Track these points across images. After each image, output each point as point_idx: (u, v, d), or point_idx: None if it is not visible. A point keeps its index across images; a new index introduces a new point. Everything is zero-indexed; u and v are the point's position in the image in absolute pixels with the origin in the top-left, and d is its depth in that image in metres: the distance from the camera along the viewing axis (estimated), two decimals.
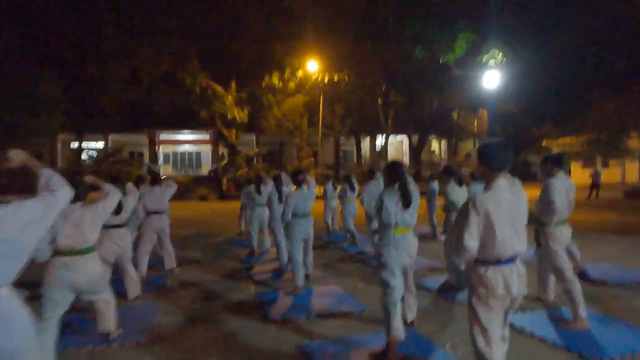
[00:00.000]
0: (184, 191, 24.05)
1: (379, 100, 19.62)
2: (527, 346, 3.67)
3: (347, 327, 4.25)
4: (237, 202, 11.21)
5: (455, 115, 27.24)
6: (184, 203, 21.37)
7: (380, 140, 32.53)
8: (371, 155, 31.57)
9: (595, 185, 17.81)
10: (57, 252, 3.32)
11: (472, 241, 2.36)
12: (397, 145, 34.52)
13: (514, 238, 2.41)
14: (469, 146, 32.67)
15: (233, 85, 24.13)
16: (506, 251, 2.39)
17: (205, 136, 31.87)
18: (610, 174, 24.97)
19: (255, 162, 24.71)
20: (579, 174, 22.70)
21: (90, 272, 3.40)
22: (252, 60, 23.27)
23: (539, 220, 4.30)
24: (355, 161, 30.44)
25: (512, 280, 2.41)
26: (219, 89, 23.70)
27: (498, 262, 2.41)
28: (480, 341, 2.46)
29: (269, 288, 5.69)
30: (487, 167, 2.49)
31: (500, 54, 11.86)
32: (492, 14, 12.37)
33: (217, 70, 23.07)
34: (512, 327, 3.96)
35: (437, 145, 35.99)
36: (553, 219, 4.16)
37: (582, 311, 3.97)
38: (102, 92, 22.08)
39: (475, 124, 26.37)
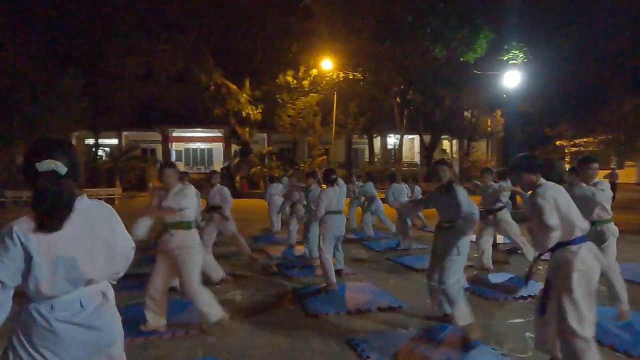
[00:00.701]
0: (197, 188, 24.22)
1: (397, 98, 19.57)
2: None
3: (386, 322, 4.31)
4: (251, 200, 11.27)
5: (468, 115, 27.15)
6: None
7: (392, 139, 32.50)
8: (383, 153, 31.55)
9: (612, 186, 17.68)
10: None
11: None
12: (409, 145, 34.43)
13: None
14: (482, 145, 32.49)
15: (247, 83, 24.23)
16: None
17: (217, 134, 32.00)
18: (625, 175, 24.73)
19: (267, 160, 24.79)
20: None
21: None
22: (267, 58, 23.36)
23: None
24: (367, 159, 30.44)
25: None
26: (234, 87, 23.81)
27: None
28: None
29: (301, 284, 5.77)
30: (535, 174, 2.95)
31: (521, 53, 11.84)
32: (512, 13, 12.33)
33: (231, 68, 23.18)
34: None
35: (448, 145, 35.84)
36: None
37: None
38: (118, 88, 22.28)
39: (489, 123, 26.24)
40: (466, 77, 15.03)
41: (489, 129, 26.78)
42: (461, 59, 12.66)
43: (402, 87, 17.66)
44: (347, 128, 24.73)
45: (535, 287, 5.42)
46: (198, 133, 32.84)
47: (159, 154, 30.81)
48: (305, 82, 23.18)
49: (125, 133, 29.92)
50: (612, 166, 20.52)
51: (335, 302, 4.92)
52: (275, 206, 9.97)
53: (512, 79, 11.66)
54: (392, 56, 15.96)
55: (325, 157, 25.00)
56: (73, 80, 17.81)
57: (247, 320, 4.37)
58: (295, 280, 6.01)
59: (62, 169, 1.61)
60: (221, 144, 32.79)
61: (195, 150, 34.58)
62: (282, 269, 6.62)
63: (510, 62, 11.92)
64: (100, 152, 28.44)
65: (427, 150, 28.30)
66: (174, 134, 31.84)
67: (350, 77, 20.64)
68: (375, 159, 29.18)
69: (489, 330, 4.04)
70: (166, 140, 30.77)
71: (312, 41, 20.78)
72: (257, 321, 4.37)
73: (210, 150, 34.62)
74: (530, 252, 6.24)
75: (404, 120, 21.22)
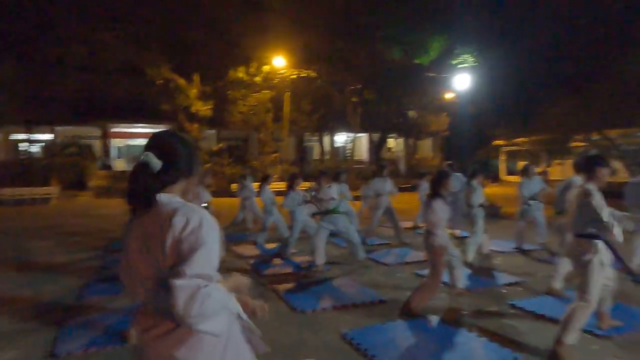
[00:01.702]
0: None
1: (355, 97, 19.87)
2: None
3: (373, 315, 4.44)
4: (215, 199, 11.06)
5: (414, 114, 28.15)
6: None
7: (341, 137, 32.91)
8: (333, 151, 31.89)
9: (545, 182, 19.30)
10: None
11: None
12: (358, 143, 35.09)
13: None
14: (427, 144, 33.90)
15: (196, 78, 23.47)
16: None
17: (162, 129, 30.77)
18: (552, 173, 27.00)
19: (220, 157, 24.16)
20: None
21: None
22: (217, 53, 22.69)
23: None
24: (317, 158, 30.62)
25: None
26: (182, 81, 22.96)
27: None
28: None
29: (279, 281, 5.77)
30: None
31: (471, 57, 12.56)
32: (462, 19, 13.03)
33: (180, 62, 22.28)
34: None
35: (394, 143, 36.98)
36: None
37: None
38: (54, 79, 20.62)
39: (433, 123, 27.46)
40: (419, 78, 15.67)
41: (434, 128, 27.99)
42: (416, 61, 13.20)
43: (359, 86, 17.97)
44: (300, 125, 24.72)
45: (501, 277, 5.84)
46: (141, 129, 31.34)
47: (98, 151, 28.97)
48: (258, 79, 22.87)
49: (59, 128, 27.83)
50: (544, 165, 22.30)
51: (320, 298, 4.98)
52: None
53: (462, 81, 12.34)
54: (348, 55, 16.20)
55: (278, 154, 24.86)
56: (4, 64, 16.19)
57: None
58: (272, 278, 5.99)
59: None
60: None
61: (136, 147, 32.94)
62: (256, 267, 6.57)
63: (460, 65, 12.63)
64: (34, 149, 26.31)
65: (376, 148, 29.04)
66: (115, 130, 30.10)
67: (304, 74, 20.67)
68: (325, 157, 29.45)
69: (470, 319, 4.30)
70: (106, 135, 29.03)
71: (265, 37, 20.53)
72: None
73: None
74: None
75: (358, 119, 21.61)
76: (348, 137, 30.63)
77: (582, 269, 3.39)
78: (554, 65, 16.04)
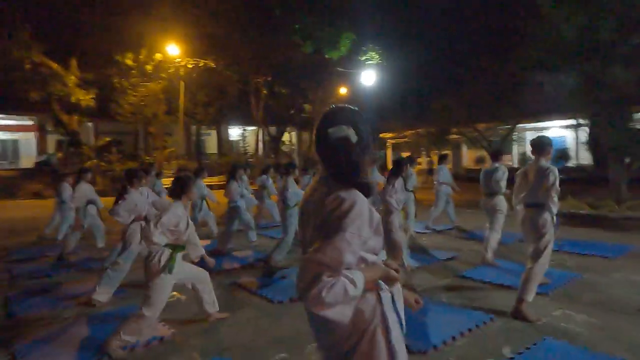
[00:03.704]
0: (9, 187, 19.87)
1: (264, 90, 19.54)
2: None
3: None
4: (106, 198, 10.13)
5: (309, 107, 28.90)
6: (13, 202, 17.82)
7: (235, 131, 32.23)
8: (225, 145, 31.08)
9: (430, 171, 21.73)
10: None
11: None
12: (252, 137, 34.77)
13: None
14: None
15: (74, 63, 20.79)
16: None
17: (27, 122, 26.64)
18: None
19: (108, 152, 21.81)
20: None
21: None
22: (100, 35, 20.30)
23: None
24: (214, 151, 29.59)
25: None
26: (55, 66, 20.12)
27: None
28: None
29: (239, 275, 5.65)
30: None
31: (377, 55, 13.45)
32: (371, 18, 13.86)
33: (55, 44, 19.41)
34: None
35: (287, 137, 37.54)
36: None
37: None
38: None
39: None
40: (329, 73, 16.19)
41: None
42: (326, 56, 13.66)
43: (268, 78, 17.80)
44: (196, 118, 23.58)
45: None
46: (3, 120, 26.78)
47: None
48: (149, 67, 21.17)
49: None
50: (429, 155, 24.88)
51: (289, 286, 5.03)
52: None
53: (368, 77, 13.18)
54: (259, 47, 15.90)
55: (174, 149, 23.42)
56: None
57: (223, 322, 4.13)
58: (227, 273, 5.83)
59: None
60: (33, 133, 27.41)
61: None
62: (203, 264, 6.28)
63: (368, 62, 13.45)
64: None
65: (275, 141, 29.16)
66: None
67: (201, 65, 19.77)
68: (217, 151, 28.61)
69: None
70: None
71: (159, 22, 19.05)
72: (234, 319, 4.18)
73: (16, 141, 28.52)
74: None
75: (261, 112, 21.41)
76: (245, 130, 30.22)
77: (539, 235, 4.05)
78: (444, 65, 18.11)
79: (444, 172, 8.84)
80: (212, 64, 19.14)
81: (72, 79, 20.21)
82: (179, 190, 3.66)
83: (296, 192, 5.90)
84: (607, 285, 4.84)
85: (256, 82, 19.29)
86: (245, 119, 27.00)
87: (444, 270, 5.67)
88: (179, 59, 19.37)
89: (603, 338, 3.48)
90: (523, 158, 25.55)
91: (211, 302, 4.04)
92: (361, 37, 13.77)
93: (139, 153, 24.06)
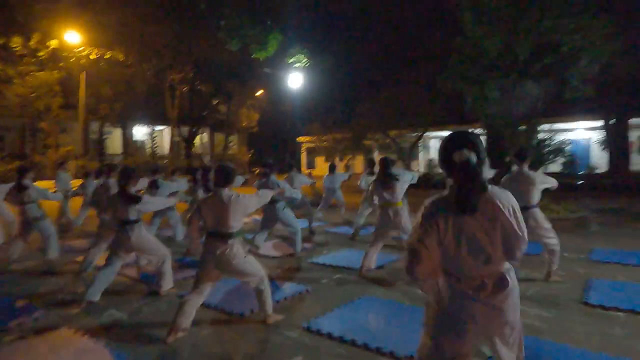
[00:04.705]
0: None
1: (185, 87, 18.19)
2: None
3: (319, 303, 4.48)
4: None
5: (224, 108, 27.96)
6: None
7: (140, 130, 29.84)
8: (131, 145, 28.68)
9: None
10: None
11: None
12: (160, 136, 32.62)
13: None
14: (234, 140, 34.10)
15: None
16: None
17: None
18: (341, 166, 31.27)
19: None
20: (322, 166, 27.54)
21: None
22: None
23: None
24: (120, 152, 27.06)
25: None
26: None
27: None
28: None
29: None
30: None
31: (304, 58, 13.41)
32: (299, 20, 13.79)
33: None
34: None
35: (199, 139, 35.97)
36: None
37: None
38: None
39: (244, 118, 27.84)
40: (252, 73, 15.68)
41: (244, 124, 28.45)
42: (252, 56, 13.25)
43: (190, 74, 16.69)
44: (99, 115, 21.34)
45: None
46: None
47: None
48: (42, 54, 18.71)
49: None
50: (339, 158, 25.51)
51: (244, 298, 4.65)
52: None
53: (294, 80, 13.10)
54: (175, 40, 14.84)
55: (72, 147, 20.92)
56: None
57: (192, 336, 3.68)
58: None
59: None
60: None
61: None
62: (150, 278, 5.57)
63: (295, 65, 13.37)
64: None
65: (187, 142, 27.64)
66: None
67: (107, 56, 18.01)
68: (122, 151, 26.31)
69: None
70: None
71: (57, 3, 16.90)
72: (210, 332, 3.75)
73: None
74: None
75: (176, 111, 20.05)
76: (154, 129, 28.22)
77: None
78: (366, 72, 18.77)
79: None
80: (121, 56, 17.51)
81: None
82: (222, 180, 3.58)
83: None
84: None
85: (172, 77, 18.06)
86: (155, 118, 25.20)
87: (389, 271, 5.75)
88: (82, 48, 17.38)
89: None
90: (429, 164, 27.61)
91: None
92: (289, 39, 13.68)
93: (25, 152, 21.07)
